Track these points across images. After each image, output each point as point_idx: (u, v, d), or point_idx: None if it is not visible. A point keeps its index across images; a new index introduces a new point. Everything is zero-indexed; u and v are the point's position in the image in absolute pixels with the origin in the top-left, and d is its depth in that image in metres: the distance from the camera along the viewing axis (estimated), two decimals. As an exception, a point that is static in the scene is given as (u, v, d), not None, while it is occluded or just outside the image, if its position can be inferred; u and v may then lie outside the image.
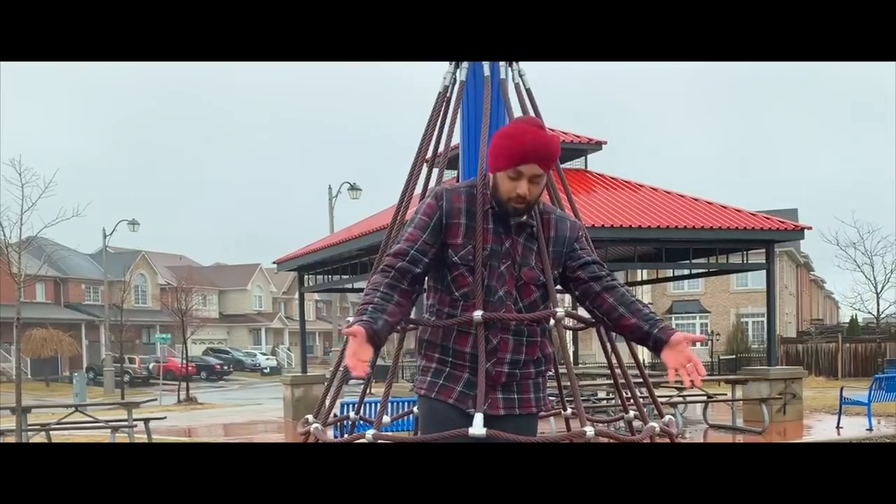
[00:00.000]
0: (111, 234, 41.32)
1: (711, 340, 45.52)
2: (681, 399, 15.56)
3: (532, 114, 3.91)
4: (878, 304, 44.37)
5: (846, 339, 39.35)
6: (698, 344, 51.04)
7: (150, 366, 45.31)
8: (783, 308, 50.82)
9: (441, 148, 4.06)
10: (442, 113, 4.00)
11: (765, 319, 51.24)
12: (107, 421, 13.47)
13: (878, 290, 43.77)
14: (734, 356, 40.99)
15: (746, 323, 49.48)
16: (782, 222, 16.66)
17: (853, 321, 46.99)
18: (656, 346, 3.23)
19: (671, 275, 24.90)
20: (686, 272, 22.70)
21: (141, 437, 13.87)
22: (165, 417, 14.50)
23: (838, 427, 15.09)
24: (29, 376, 46.74)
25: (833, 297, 79.34)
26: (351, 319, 3.11)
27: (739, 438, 14.27)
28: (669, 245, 16.55)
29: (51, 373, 46.23)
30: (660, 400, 13.15)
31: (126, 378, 40.89)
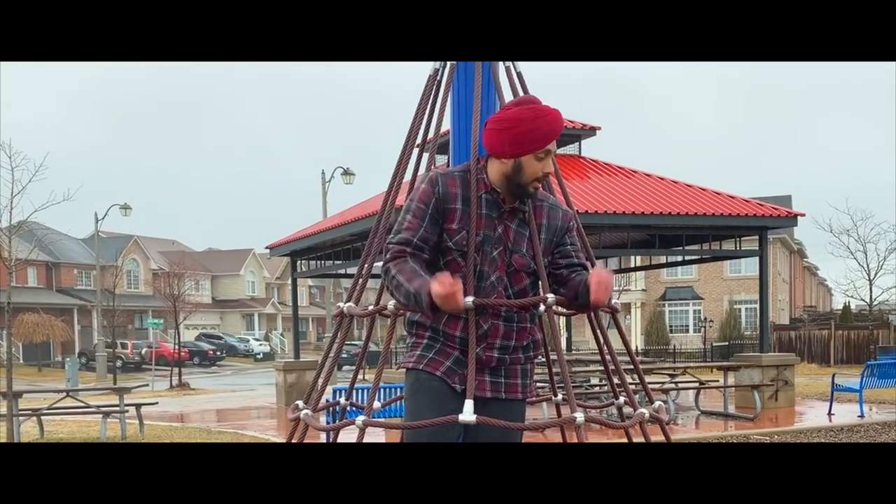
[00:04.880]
0: (103, 218, 41.18)
1: (704, 327, 45.70)
2: (673, 385, 15.63)
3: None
4: (871, 291, 44.48)
5: (839, 326, 39.52)
6: (690, 330, 51.18)
7: (143, 351, 45.29)
8: (776, 295, 50.95)
9: (431, 133, 4.04)
10: (432, 97, 3.98)
11: (757, 306, 51.44)
12: (98, 406, 13.40)
13: (871, 277, 43.88)
14: (727, 343, 41.16)
15: (739, 310, 49.67)
16: (775, 209, 16.65)
17: (846, 308, 47.10)
18: (584, 290, 3.25)
19: (664, 261, 24.85)
20: (679, 258, 22.67)
21: (132, 423, 13.87)
22: (157, 403, 14.46)
23: (830, 414, 15.13)
24: (21, 361, 46.68)
25: (826, 283, 79.59)
26: (413, 282, 3.12)
27: (731, 425, 14.30)
28: (662, 231, 16.56)
29: (42, 358, 46.24)
30: (652, 386, 13.13)
31: (118, 363, 40.86)
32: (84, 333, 52.87)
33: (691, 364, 18.61)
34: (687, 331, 51.08)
